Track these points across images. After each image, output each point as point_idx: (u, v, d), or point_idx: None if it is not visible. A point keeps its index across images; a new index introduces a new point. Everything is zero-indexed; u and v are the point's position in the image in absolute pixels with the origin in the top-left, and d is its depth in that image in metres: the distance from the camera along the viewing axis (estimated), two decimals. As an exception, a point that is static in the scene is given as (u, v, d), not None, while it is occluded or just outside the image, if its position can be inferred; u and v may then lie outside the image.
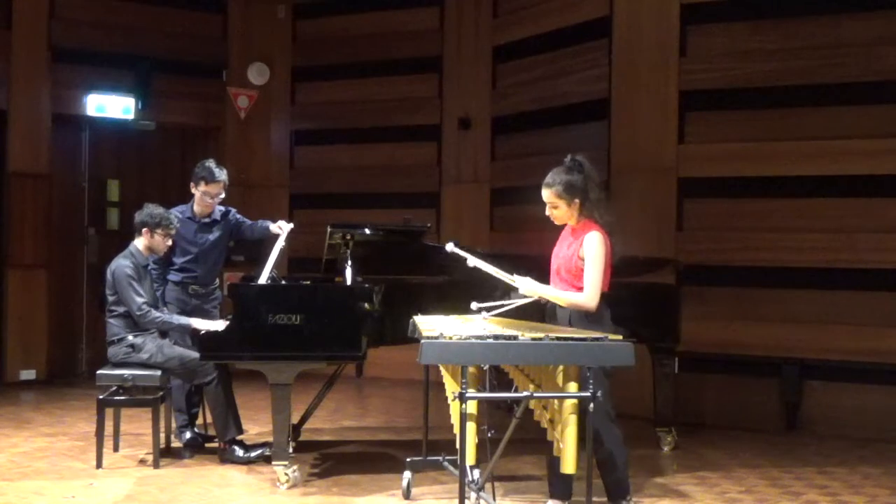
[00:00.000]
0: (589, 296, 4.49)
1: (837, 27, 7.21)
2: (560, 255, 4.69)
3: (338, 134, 10.22)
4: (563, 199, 4.60)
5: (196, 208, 6.42)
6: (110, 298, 5.93)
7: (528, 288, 4.54)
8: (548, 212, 4.69)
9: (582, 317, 4.51)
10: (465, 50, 9.49)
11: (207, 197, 6.34)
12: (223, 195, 6.42)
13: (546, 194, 4.64)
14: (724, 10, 7.59)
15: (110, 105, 9.39)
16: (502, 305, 4.56)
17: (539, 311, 4.71)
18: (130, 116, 9.48)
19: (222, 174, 6.37)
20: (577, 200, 4.60)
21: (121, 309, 5.89)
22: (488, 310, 4.51)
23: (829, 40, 7.22)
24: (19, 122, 9.03)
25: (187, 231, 6.36)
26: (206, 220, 6.45)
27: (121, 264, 5.91)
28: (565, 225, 4.76)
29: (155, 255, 6.18)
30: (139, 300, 5.82)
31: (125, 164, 10.04)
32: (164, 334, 6.10)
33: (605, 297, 4.57)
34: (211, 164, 6.39)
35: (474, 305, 4.50)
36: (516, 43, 9.12)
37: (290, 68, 10.28)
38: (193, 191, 6.39)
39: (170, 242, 6.14)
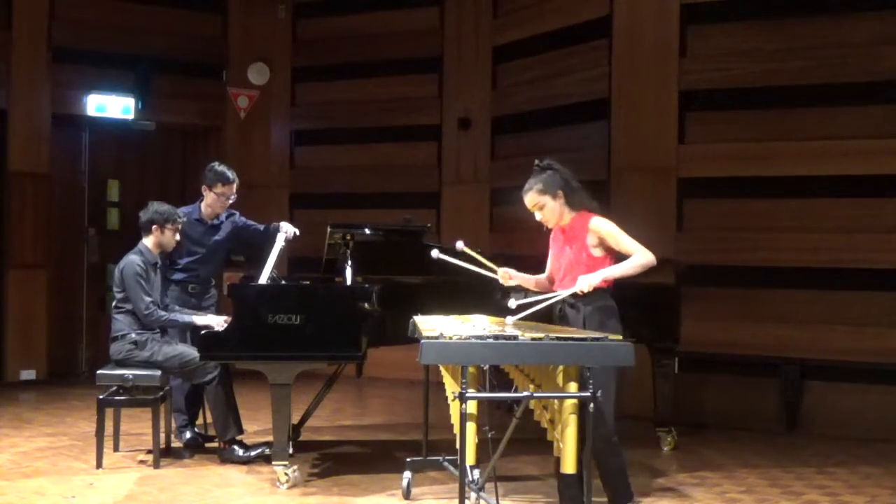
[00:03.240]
0: (642, 252, 4.47)
1: (837, 27, 7.21)
2: (564, 256, 4.62)
3: (338, 134, 10.22)
4: (546, 195, 4.57)
5: (206, 210, 6.48)
6: (118, 295, 5.95)
7: (588, 283, 4.41)
8: (537, 217, 4.66)
9: (595, 317, 4.45)
10: (465, 50, 9.49)
11: (224, 198, 6.43)
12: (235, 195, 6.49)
13: (528, 198, 4.62)
14: (724, 10, 7.59)
15: (110, 105, 9.39)
16: (538, 302, 4.50)
17: (546, 318, 4.66)
18: (130, 116, 9.48)
19: (235, 175, 6.48)
20: (560, 192, 4.57)
21: (127, 306, 5.91)
22: (524, 306, 4.46)
23: (829, 40, 7.21)
24: (19, 122, 9.03)
25: (195, 232, 6.42)
26: (215, 221, 6.49)
27: (130, 261, 5.93)
28: (554, 229, 4.72)
29: (164, 251, 6.20)
30: (147, 299, 5.85)
31: (125, 164, 10.05)
32: (163, 332, 6.11)
33: (613, 296, 4.55)
34: (222, 166, 6.48)
35: (512, 303, 4.44)
36: (516, 43, 9.11)
37: (290, 68, 10.27)
38: (206, 193, 6.44)
39: (178, 237, 6.18)
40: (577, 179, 4.68)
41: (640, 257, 4.48)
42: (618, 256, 4.58)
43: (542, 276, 4.84)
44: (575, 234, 4.59)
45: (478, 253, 4.89)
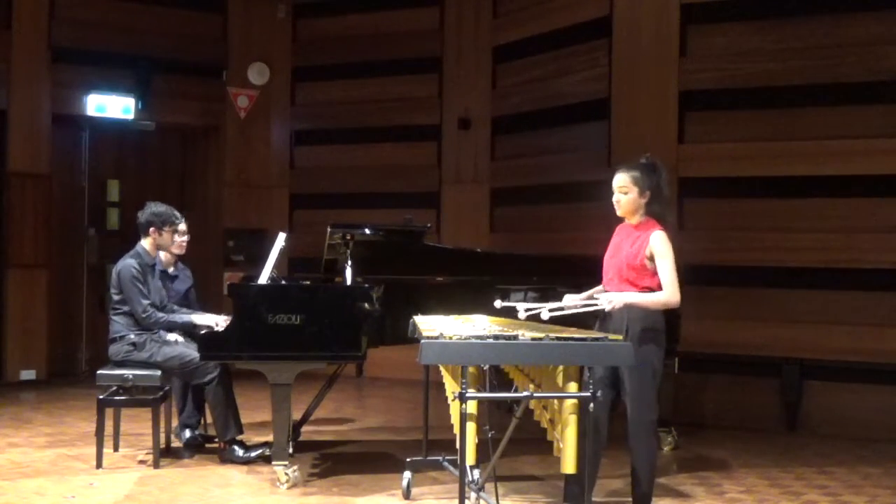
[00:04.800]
0: (672, 291, 4.40)
1: (837, 27, 7.21)
2: (622, 253, 4.56)
3: (338, 134, 10.22)
4: (637, 186, 4.51)
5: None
6: (115, 297, 5.95)
7: (613, 302, 4.37)
8: (614, 198, 4.58)
9: (638, 321, 4.40)
10: (465, 50, 9.49)
11: (179, 236, 6.25)
12: None
13: (620, 178, 4.55)
14: (724, 10, 7.60)
15: (110, 105, 9.39)
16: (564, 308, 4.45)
17: (591, 317, 4.61)
18: (130, 116, 9.48)
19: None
20: (647, 193, 4.52)
21: (125, 307, 5.91)
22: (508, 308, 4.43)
23: (829, 40, 7.22)
24: (19, 122, 9.03)
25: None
26: (174, 268, 6.34)
27: (127, 264, 5.93)
28: (620, 225, 4.69)
29: (163, 252, 6.19)
30: (144, 302, 5.85)
31: (125, 164, 10.05)
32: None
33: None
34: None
35: (545, 315, 4.34)
36: (516, 43, 9.12)
37: (290, 68, 10.28)
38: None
39: (177, 238, 6.17)
40: (668, 189, 4.62)
41: (666, 296, 4.40)
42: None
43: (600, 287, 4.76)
44: (637, 238, 4.53)
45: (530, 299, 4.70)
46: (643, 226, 4.55)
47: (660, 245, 4.45)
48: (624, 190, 4.56)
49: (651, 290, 4.45)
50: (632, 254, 4.50)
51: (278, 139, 10.34)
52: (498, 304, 4.56)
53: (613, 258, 4.62)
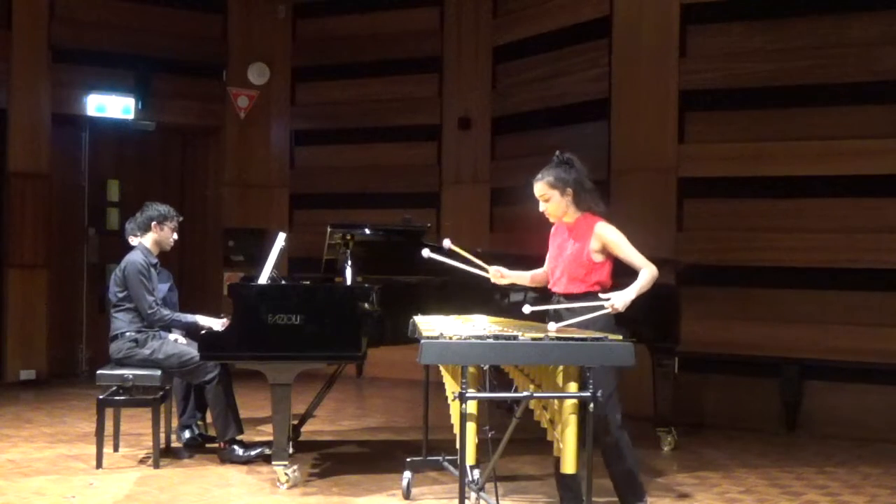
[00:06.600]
0: (649, 266, 4.45)
1: (837, 27, 7.21)
2: (566, 253, 4.58)
3: (338, 134, 10.23)
4: (555, 189, 4.52)
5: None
6: (119, 295, 5.95)
7: (617, 306, 4.34)
8: (541, 207, 4.61)
9: (596, 319, 4.38)
10: (465, 50, 9.50)
11: (175, 233, 6.25)
12: None
13: (537, 187, 4.58)
14: (723, 10, 7.60)
15: (110, 105, 9.39)
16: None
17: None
18: (130, 116, 9.48)
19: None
20: (569, 190, 4.53)
21: (128, 304, 5.92)
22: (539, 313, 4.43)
23: (829, 40, 7.22)
24: (19, 122, 9.03)
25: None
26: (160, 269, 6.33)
27: (133, 261, 5.94)
28: (555, 225, 4.70)
29: (163, 250, 6.20)
30: (150, 298, 5.87)
31: (125, 164, 10.05)
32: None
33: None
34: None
35: (527, 309, 4.35)
36: (516, 43, 9.12)
37: (290, 68, 10.29)
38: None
39: (176, 236, 6.19)
40: (591, 179, 4.64)
41: (650, 271, 4.45)
42: (616, 263, 4.56)
43: (540, 272, 4.80)
44: (578, 235, 4.55)
45: (470, 252, 4.82)
46: (580, 222, 4.57)
47: (608, 234, 4.49)
48: (545, 197, 4.57)
49: (601, 283, 4.50)
50: (577, 251, 4.53)
51: (278, 139, 10.34)
52: (527, 309, 4.48)
53: (558, 258, 4.63)
